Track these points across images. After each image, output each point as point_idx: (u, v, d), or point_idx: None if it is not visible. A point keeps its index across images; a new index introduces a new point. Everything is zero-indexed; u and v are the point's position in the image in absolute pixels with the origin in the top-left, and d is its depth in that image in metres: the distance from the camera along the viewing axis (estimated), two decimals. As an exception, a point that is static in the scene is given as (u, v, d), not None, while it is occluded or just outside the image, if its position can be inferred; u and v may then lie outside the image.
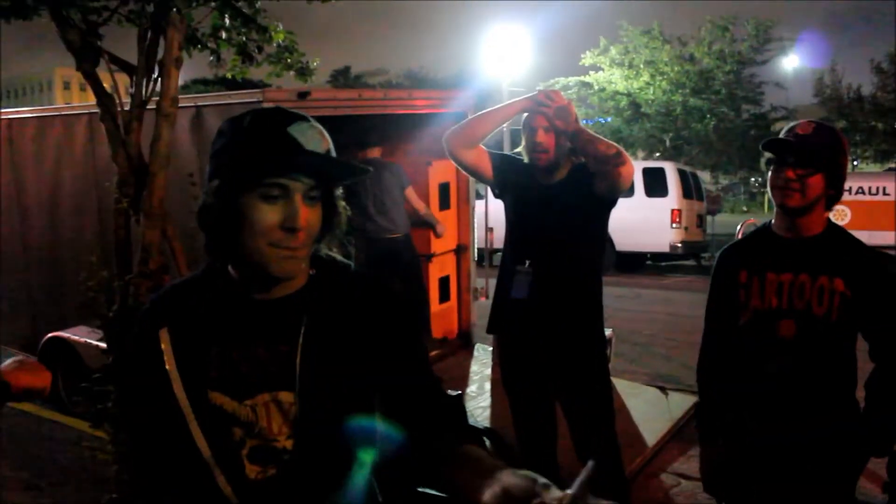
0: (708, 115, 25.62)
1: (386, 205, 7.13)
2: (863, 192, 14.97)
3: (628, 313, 10.56)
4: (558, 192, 3.61)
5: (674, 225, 15.52)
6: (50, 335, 6.73)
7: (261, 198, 1.54)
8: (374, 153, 7.31)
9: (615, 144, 3.46)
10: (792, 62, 30.34)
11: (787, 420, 2.65)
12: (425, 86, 41.80)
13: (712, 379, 2.90)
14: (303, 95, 5.60)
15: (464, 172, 3.84)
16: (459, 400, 2.19)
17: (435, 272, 7.80)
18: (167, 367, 1.61)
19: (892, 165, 28.83)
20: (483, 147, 3.72)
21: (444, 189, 7.79)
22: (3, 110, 7.82)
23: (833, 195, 2.67)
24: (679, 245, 15.54)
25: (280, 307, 1.64)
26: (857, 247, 2.67)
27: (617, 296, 12.38)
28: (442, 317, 7.63)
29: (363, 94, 6.92)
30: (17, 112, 7.83)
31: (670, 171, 15.99)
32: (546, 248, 3.61)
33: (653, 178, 15.80)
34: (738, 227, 16.05)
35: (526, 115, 3.65)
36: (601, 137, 3.48)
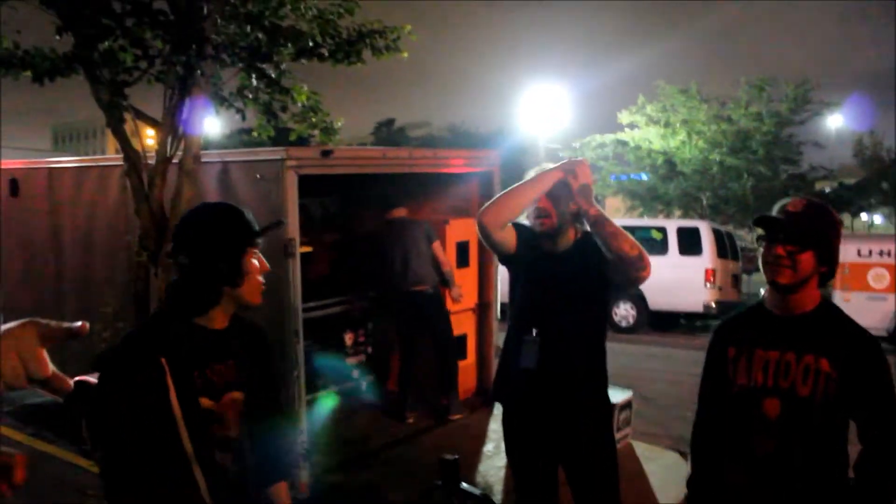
0: (745, 175, 25.18)
1: (411, 260, 7.09)
2: (903, 256, 14.67)
3: (657, 374, 10.35)
4: (566, 262, 3.55)
5: (707, 284, 15.24)
6: (76, 379, 6.67)
7: (252, 256, 2.34)
8: (401, 213, 7.27)
9: (638, 244, 3.36)
10: (835, 121, 29.97)
11: (776, 502, 2.59)
12: (466, 140, 42.06)
13: (704, 453, 2.85)
14: (326, 154, 5.67)
15: (487, 245, 3.69)
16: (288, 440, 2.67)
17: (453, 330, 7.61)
18: (168, 382, 2.14)
19: None
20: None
21: (462, 248, 7.74)
22: (47, 158, 7.97)
23: (826, 272, 2.64)
24: (713, 305, 15.19)
25: (224, 335, 2.36)
26: (846, 326, 2.61)
27: (648, 355, 12.22)
28: (461, 375, 7.51)
29: (387, 154, 6.89)
30: (58, 161, 7.97)
31: (705, 230, 15.80)
32: (554, 317, 3.54)
33: (687, 237, 15.62)
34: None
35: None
36: (626, 234, 3.37)
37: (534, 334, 3.54)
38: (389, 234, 7.17)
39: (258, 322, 2.52)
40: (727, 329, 2.84)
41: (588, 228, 3.53)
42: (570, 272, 3.50)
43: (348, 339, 7.68)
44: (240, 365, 2.36)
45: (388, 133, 49.03)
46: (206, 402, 2.25)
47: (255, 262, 2.35)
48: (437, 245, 7.21)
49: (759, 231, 2.69)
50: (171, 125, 5.01)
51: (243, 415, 2.36)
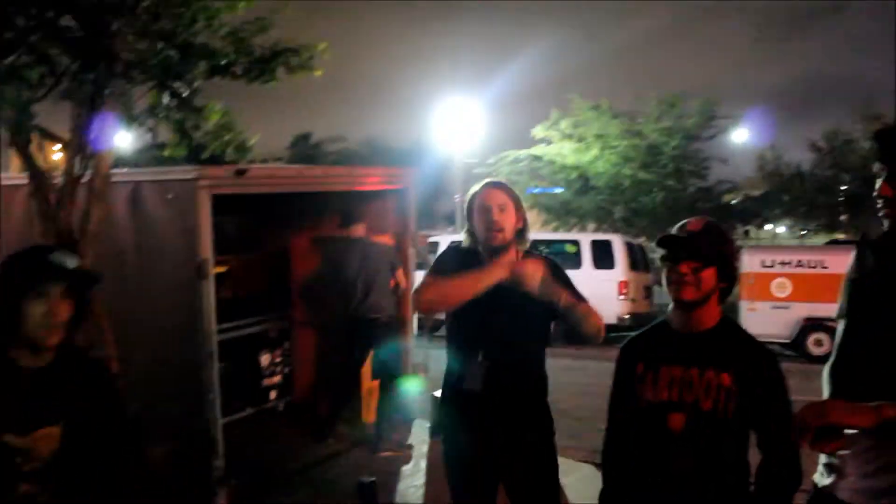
0: (656, 188, 25.83)
1: (373, 288, 6.97)
2: (802, 266, 15.21)
3: (572, 386, 10.38)
4: (510, 281, 3.44)
5: (621, 296, 15.61)
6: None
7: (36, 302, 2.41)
8: (359, 231, 7.16)
9: (600, 321, 3.45)
10: (740, 136, 30.94)
11: None
12: (383, 154, 41.99)
13: (614, 467, 2.93)
14: (241, 173, 5.56)
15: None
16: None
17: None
18: None
19: (836, 238, 29.43)
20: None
21: None
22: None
23: (725, 288, 2.76)
24: (627, 317, 15.51)
25: (42, 371, 2.46)
26: (745, 341, 2.74)
27: (563, 368, 11.94)
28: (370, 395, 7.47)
29: (303, 172, 6.95)
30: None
31: (617, 243, 16.18)
32: (500, 340, 3.51)
33: (601, 250, 15.95)
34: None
35: (475, 191, 3.59)
36: (594, 312, 3.43)
37: (479, 357, 3.51)
38: (348, 253, 7.03)
39: (98, 354, 2.73)
40: (634, 346, 2.92)
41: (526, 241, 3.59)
42: (515, 291, 3.43)
43: (264, 359, 7.59)
44: (58, 400, 2.46)
45: (304, 148, 48.54)
46: (11, 438, 2.36)
47: (43, 307, 2.39)
48: (400, 272, 7.17)
49: (661, 251, 2.76)
50: (79, 144, 4.85)
51: (62, 447, 2.46)
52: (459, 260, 3.59)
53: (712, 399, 2.64)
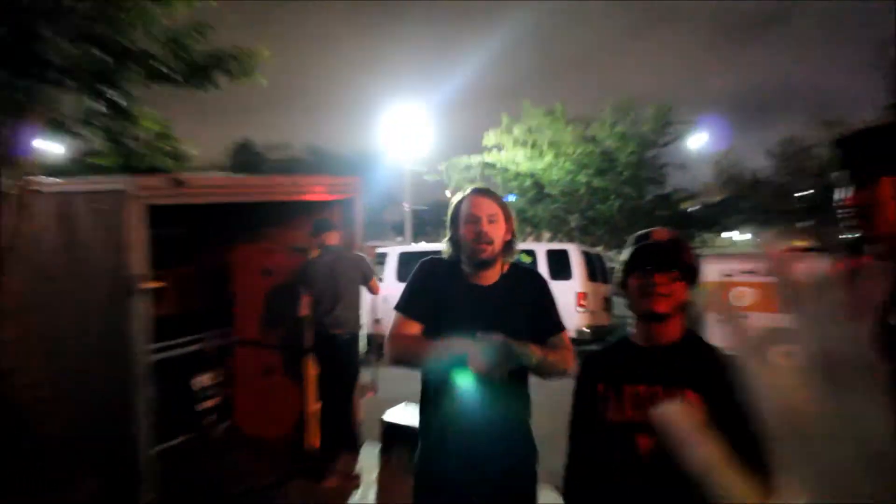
0: (612, 196, 26.05)
1: (340, 302, 6.80)
2: (760, 274, 15.31)
3: (531, 404, 10.06)
4: (493, 296, 3.39)
5: (579, 308, 15.23)
6: None
7: None
8: (333, 239, 7.01)
9: (572, 359, 3.34)
10: (697, 141, 31.26)
11: None
12: (329, 162, 41.78)
13: (577, 492, 2.85)
14: (178, 183, 5.47)
15: None
16: None
17: (309, 368, 7.45)
18: None
19: (795, 245, 29.82)
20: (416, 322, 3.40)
21: None
22: None
23: (689, 301, 2.73)
24: (586, 329, 15.12)
25: None
26: (710, 354, 2.67)
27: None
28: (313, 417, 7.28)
29: (246, 182, 6.71)
30: None
31: (574, 252, 15.75)
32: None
33: (557, 260, 15.59)
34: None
35: (462, 198, 3.48)
36: (565, 359, 3.33)
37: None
38: (318, 263, 6.88)
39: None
40: (594, 364, 2.86)
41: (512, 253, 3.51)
42: (498, 308, 3.35)
43: (202, 381, 7.43)
44: None
45: (246, 156, 48.06)
46: None
47: None
48: (374, 282, 7.05)
49: (626, 261, 2.73)
50: (3, 154, 4.68)
51: None
52: (440, 275, 3.47)
53: None
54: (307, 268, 6.90)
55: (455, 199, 3.46)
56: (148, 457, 5.14)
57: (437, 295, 3.41)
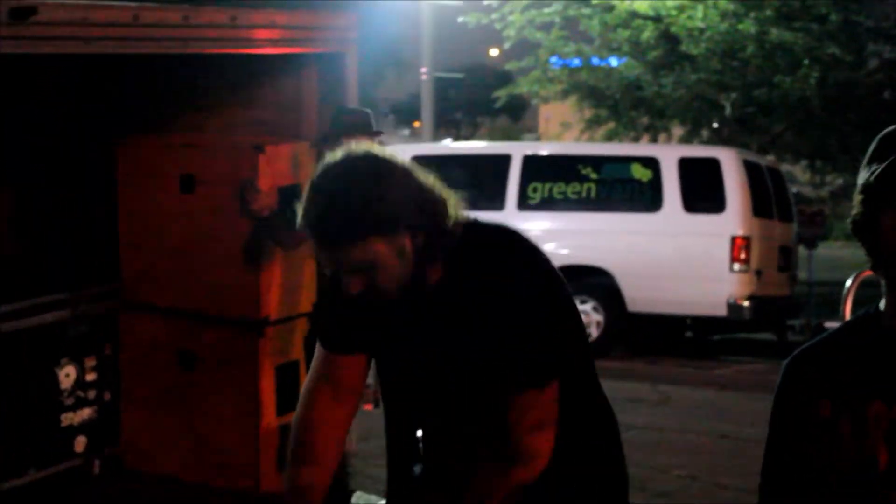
0: (806, 62, 20.62)
1: None
2: None
3: (647, 433, 9.13)
4: (435, 309, 3.04)
5: (736, 266, 13.37)
6: None
7: None
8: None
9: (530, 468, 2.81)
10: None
11: None
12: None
13: None
14: (22, 15, 5.04)
15: None
16: None
17: (270, 356, 6.73)
18: None
19: None
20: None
21: (286, 197, 6.76)
22: None
23: None
24: (746, 304, 13.40)
25: None
26: None
27: (628, 400, 10.41)
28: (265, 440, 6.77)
29: (141, 16, 6.03)
30: None
31: (729, 164, 13.77)
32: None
33: (697, 177, 13.76)
34: (848, 283, 11.42)
35: None
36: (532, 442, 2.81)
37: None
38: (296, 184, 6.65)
39: None
40: (813, 366, 2.38)
41: None
42: (442, 332, 3.01)
43: (65, 377, 6.63)
44: None
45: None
46: None
47: None
48: None
49: (869, 178, 2.12)
50: None
51: None
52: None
53: None
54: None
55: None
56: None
57: (358, 310, 3.04)
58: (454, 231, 2.76)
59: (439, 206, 2.72)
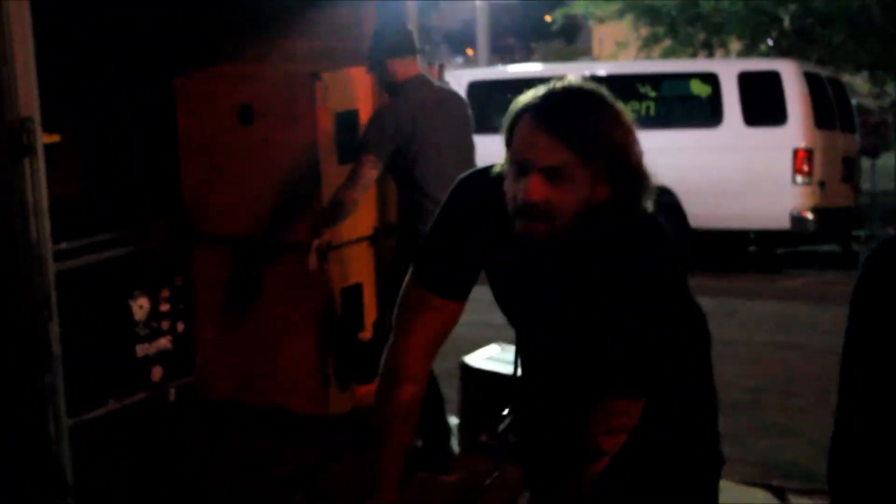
0: None
1: (448, 166, 6.08)
2: None
3: (714, 347, 9.07)
4: (556, 272, 3.04)
5: (799, 178, 13.43)
6: None
7: None
8: (410, 67, 6.10)
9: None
10: None
11: None
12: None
13: (854, 495, 2.37)
14: None
15: None
16: None
17: (334, 279, 6.83)
18: None
19: None
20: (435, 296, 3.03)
21: (345, 126, 6.79)
22: None
23: None
24: (810, 216, 13.44)
25: None
26: None
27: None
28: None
29: None
30: None
31: (790, 76, 13.77)
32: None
33: (757, 91, 13.79)
34: None
35: (516, 112, 2.82)
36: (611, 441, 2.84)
37: None
38: (402, 110, 6.13)
39: None
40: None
41: None
42: (562, 300, 3.03)
43: (139, 309, 6.76)
44: None
45: None
46: None
47: None
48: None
49: None
50: None
51: None
52: (481, 211, 2.95)
53: None
54: (382, 118, 6.11)
55: (513, 108, 2.79)
56: (63, 436, 4.84)
57: (471, 251, 3.04)
58: (633, 211, 2.72)
59: (639, 179, 2.68)
